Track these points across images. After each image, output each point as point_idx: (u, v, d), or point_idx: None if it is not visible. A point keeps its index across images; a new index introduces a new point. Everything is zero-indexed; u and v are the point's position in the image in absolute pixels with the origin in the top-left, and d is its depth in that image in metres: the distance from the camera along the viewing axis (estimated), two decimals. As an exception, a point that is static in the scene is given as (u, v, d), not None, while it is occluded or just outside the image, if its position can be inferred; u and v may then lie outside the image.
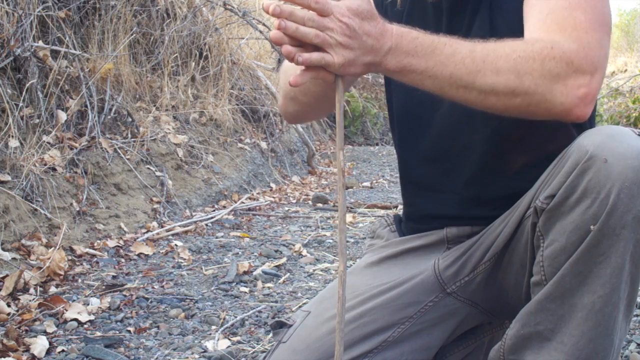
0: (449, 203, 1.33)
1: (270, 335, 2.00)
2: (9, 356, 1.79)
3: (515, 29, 1.19)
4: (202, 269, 2.79)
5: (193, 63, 4.72)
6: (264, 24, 5.29)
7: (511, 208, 1.20)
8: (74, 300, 2.28)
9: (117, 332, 2.06)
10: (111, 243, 2.99)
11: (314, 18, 0.99)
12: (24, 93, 3.08)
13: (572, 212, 0.99)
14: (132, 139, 3.74)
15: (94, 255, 2.82)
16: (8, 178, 2.75)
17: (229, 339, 2.00)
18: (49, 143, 3.14)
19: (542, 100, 1.03)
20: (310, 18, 0.99)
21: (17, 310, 2.13)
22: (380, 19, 1.05)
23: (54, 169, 3.06)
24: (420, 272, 1.33)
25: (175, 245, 3.14)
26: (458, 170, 1.31)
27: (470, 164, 1.29)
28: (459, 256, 1.28)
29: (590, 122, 1.21)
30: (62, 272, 2.49)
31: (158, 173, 3.81)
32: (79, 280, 2.52)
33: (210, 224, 3.65)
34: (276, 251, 3.11)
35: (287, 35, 1.00)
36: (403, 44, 1.04)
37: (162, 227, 3.41)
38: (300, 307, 2.25)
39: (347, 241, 3.38)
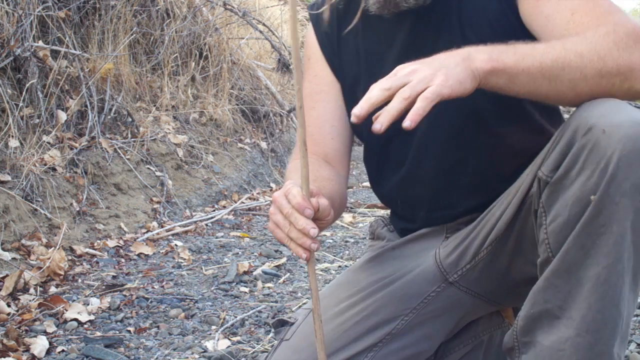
0: (445, 218, 1.34)
1: (271, 334, 2.00)
2: (9, 356, 1.79)
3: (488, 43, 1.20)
4: (202, 269, 2.79)
5: (193, 63, 4.71)
6: (264, 24, 5.29)
7: (510, 188, 1.19)
8: (74, 300, 2.28)
9: (117, 332, 2.06)
10: (111, 243, 2.99)
11: (389, 85, 1.02)
12: (24, 93, 3.08)
13: (574, 185, 1.00)
14: (132, 139, 3.74)
15: (94, 255, 2.82)
16: (8, 178, 2.75)
17: (229, 339, 2.00)
18: (49, 143, 3.14)
19: (625, 79, 1.05)
20: (385, 89, 1.02)
21: (17, 310, 2.13)
22: None
23: (54, 169, 3.06)
24: (421, 262, 1.33)
25: (175, 245, 3.14)
26: (453, 186, 1.30)
27: (465, 177, 1.29)
28: (459, 243, 1.28)
29: None
30: (62, 272, 2.49)
31: (158, 173, 3.81)
32: (79, 280, 2.53)
33: (210, 224, 3.65)
34: (276, 251, 3.11)
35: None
36: (480, 48, 1.06)
37: (162, 227, 3.41)
38: (300, 306, 2.25)
39: (347, 241, 3.38)
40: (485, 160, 1.26)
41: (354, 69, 1.39)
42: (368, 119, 1.04)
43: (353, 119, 1.02)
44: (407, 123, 0.99)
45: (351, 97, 1.38)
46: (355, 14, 1.33)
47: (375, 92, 1.02)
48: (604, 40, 1.05)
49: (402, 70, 1.03)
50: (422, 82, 1.00)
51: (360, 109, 1.01)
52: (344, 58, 1.40)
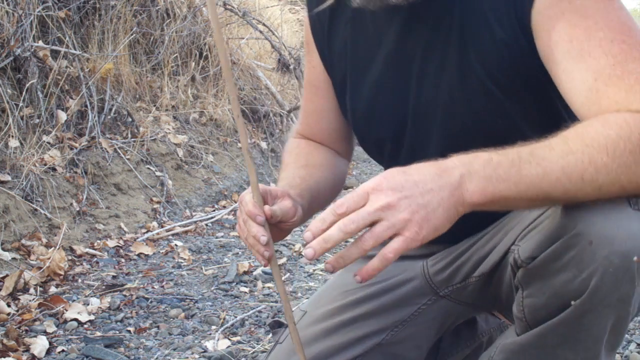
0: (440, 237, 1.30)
1: (270, 335, 2.00)
2: (9, 356, 1.79)
3: (491, 71, 1.07)
4: (202, 269, 2.80)
5: (193, 63, 4.71)
6: (264, 24, 5.29)
7: (499, 225, 1.14)
8: (74, 300, 2.28)
9: (117, 332, 2.06)
10: (111, 243, 2.99)
11: (354, 227, 0.88)
12: (24, 93, 3.08)
13: (553, 279, 0.95)
14: (132, 139, 3.74)
15: (94, 255, 2.82)
16: (8, 178, 2.75)
17: (229, 339, 2.00)
18: (49, 143, 3.14)
19: None
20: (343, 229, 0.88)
21: (17, 310, 2.13)
22: (427, 162, 0.90)
23: (54, 169, 3.06)
24: (411, 277, 1.30)
25: (175, 245, 3.14)
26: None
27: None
28: (449, 263, 1.25)
29: None
30: (62, 272, 2.49)
31: (158, 173, 3.81)
32: (79, 280, 2.53)
33: (210, 224, 3.65)
34: (276, 251, 3.10)
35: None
36: (477, 169, 0.89)
37: (162, 227, 3.40)
38: (298, 307, 2.25)
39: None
40: None
41: (342, 65, 1.26)
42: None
43: (306, 258, 0.91)
44: (358, 279, 0.90)
45: (341, 97, 1.29)
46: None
47: (335, 233, 0.88)
48: (635, 158, 0.87)
49: (374, 202, 0.88)
50: (391, 229, 0.86)
51: (313, 252, 0.89)
52: (334, 50, 1.26)
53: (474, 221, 1.16)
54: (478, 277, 1.19)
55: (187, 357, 1.87)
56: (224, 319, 2.18)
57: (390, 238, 0.88)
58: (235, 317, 2.19)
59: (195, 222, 3.56)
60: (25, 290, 2.30)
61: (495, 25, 1.05)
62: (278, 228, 1.13)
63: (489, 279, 1.17)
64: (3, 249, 2.48)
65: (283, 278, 2.68)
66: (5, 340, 1.86)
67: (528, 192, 0.89)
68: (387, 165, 1.27)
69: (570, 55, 0.97)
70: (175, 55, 4.54)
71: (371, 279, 1.31)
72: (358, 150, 2.18)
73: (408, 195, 0.87)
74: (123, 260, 2.87)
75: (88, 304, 2.24)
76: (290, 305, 1.09)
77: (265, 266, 1.07)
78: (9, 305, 2.14)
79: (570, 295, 0.93)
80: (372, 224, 0.88)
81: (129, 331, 2.07)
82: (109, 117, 3.68)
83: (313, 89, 1.36)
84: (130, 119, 3.85)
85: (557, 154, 0.89)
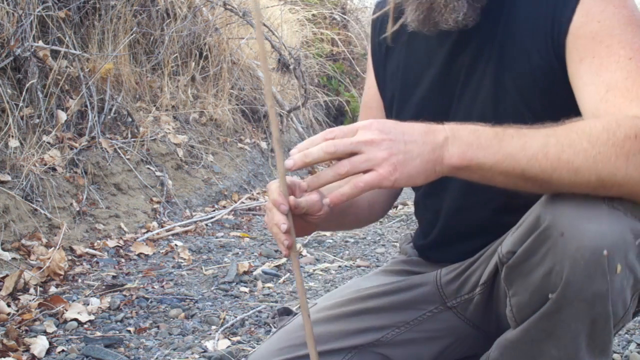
0: (450, 254, 1.32)
1: (275, 319, 2.02)
2: (9, 356, 1.79)
3: (525, 94, 1.12)
4: (202, 269, 2.80)
5: (193, 63, 4.71)
6: (264, 24, 5.28)
7: (504, 235, 1.16)
8: (74, 300, 2.28)
9: (117, 332, 2.06)
10: (111, 243, 2.99)
11: (334, 149, 0.94)
12: (24, 93, 3.08)
13: (532, 274, 0.97)
14: (132, 139, 3.74)
15: (94, 255, 2.82)
16: (8, 178, 2.75)
17: (229, 339, 2.00)
18: (49, 143, 3.14)
19: (627, 192, 0.93)
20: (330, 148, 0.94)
21: (17, 310, 2.13)
22: (420, 122, 0.97)
23: (54, 169, 3.06)
24: (424, 282, 1.33)
25: (175, 245, 3.14)
26: (466, 240, 1.27)
27: (479, 228, 1.25)
28: (459, 273, 1.27)
29: None
30: (62, 272, 2.49)
31: (158, 173, 3.81)
32: (79, 280, 2.53)
33: (210, 224, 3.65)
34: (276, 251, 3.11)
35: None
36: (461, 135, 0.95)
37: (162, 227, 3.41)
38: (300, 307, 2.25)
39: (347, 241, 3.38)
40: (505, 202, 1.19)
41: (393, 85, 1.33)
42: None
43: (286, 167, 0.98)
44: (326, 201, 0.97)
45: (389, 116, 1.35)
46: (404, 25, 1.23)
47: (316, 150, 0.96)
48: (615, 152, 0.90)
49: (361, 134, 0.94)
50: (367, 163, 0.93)
51: (293, 162, 0.97)
52: (388, 71, 1.35)
53: (488, 238, 1.20)
54: (482, 287, 1.21)
55: (187, 357, 1.87)
56: (224, 319, 2.18)
57: (366, 173, 0.94)
58: (235, 317, 2.19)
59: (195, 222, 3.56)
60: (25, 290, 2.30)
61: (533, 50, 1.11)
62: (304, 221, 1.13)
63: (491, 291, 1.20)
64: (3, 249, 2.49)
65: (284, 278, 2.68)
66: (5, 340, 1.86)
67: (504, 163, 0.93)
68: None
69: (591, 70, 1.03)
70: (175, 55, 4.54)
71: (384, 280, 1.34)
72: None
73: (393, 139, 0.93)
74: (123, 260, 2.87)
75: (88, 304, 2.24)
76: (305, 295, 1.10)
77: (286, 256, 1.09)
78: (9, 305, 2.14)
79: (548, 288, 0.96)
80: (353, 155, 0.94)
81: (129, 331, 2.07)
82: (109, 117, 3.68)
83: (367, 110, 1.42)
84: (130, 119, 3.85)
85: (541, 134, 0.94)
